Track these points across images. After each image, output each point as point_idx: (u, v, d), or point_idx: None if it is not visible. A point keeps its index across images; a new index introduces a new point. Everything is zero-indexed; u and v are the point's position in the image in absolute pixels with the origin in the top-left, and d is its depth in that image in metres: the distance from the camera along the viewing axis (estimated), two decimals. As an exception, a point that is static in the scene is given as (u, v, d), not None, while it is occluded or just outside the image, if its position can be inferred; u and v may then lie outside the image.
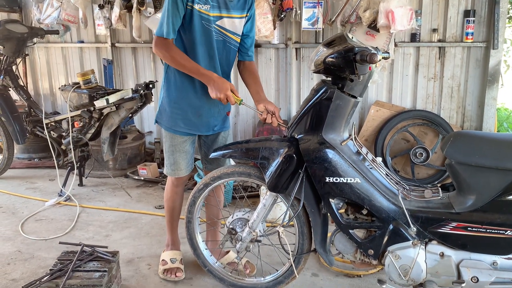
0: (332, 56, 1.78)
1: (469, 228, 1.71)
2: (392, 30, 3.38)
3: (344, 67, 1.75)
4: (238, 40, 2.22)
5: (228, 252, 2.49)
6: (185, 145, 2.27)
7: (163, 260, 2.45)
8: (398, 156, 3.89)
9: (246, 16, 2.19)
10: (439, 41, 3.77)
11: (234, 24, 2.15)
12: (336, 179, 1.86)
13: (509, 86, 6.26)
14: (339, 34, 1.88)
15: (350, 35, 1.87)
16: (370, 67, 1.76)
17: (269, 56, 4.25)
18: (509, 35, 6.02)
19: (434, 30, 3.75)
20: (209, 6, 2.04)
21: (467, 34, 3.64)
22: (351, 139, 1.96)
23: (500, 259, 1.70)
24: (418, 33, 3.76)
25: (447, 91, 3.84)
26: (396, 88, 3.96)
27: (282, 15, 3.70)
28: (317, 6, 3.67)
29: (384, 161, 3.80)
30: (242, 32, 2.22)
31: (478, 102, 3.79)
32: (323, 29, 3.85)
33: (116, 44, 4.65)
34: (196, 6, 2.03)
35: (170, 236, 2.51)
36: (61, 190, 3.56)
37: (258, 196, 3.36)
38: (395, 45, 3.72)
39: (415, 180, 3.77)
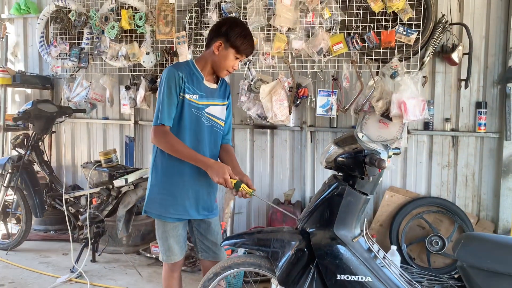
0: (343, 156, 1.85)
1: (484, 337, 1.66)
2: (404, 120, 3.47)
3: (354, 168, 1.82)
4: (223, 125, 2.40)
5: None
6: (177, 229, 2.32)
7: None
8: (413, 243, 3.82)
9: (226, 104, 2.41)
10: (452, 130, 3.84)
11: (219, 110, 2.35)
12: (347, 277, 1.86)
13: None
14: (349, 133, 1.97)
15: (360, 135, 1.96)
16: (379, 169, 1.81)
17: (285, 138, 4.36)
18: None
19: (447, 120, 3.84)
20: (197, 95, 2.24)
21: (479, 124, 3.71)
22: (363, 236, 1.97)
23: None
24: (431, 122, 3.85)
25: (461, 179, 3.85)
26: (410, 174, 3.99)
27: (298, 102, 3.86)
28: (331, 95, 3.83)
29: (400, 248, 3.74)
30: None
31: (493, 191, 3.77)
32: (337, 115, 3.99)
33: (139, 122, 4.85)
34: (187, 96, 2.21)
35: None
36: (74, 266, 3.57)
37: (269, 281, 3.30)
38: (408, 132, 3.81)
39: (431, 269, 3.67)
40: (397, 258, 3.05)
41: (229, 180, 2.10)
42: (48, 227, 4.63)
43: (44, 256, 4.02)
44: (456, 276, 1.95)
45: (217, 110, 2.34)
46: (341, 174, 1.98)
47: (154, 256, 3.96)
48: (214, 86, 2.33)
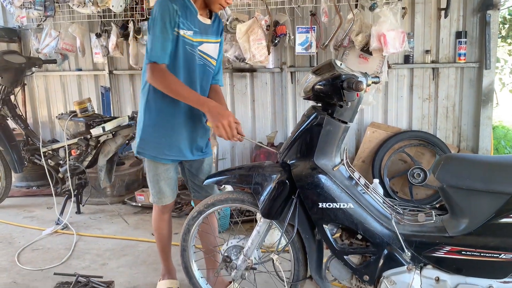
0: (320, 83, 1.80)
1: (463, 252, 1.70)
2: (384, 53, 3.41)
3: (332, 94, 1.77)
4: (215, 64, 2.26)
5: (230, 282, 2.43)
6: (168, 172, 2.26)
7: None
8: (396, 177, 3.88)
9: (219, 41, 2.27)
10: (432, 62, 3.81)
11: (212, 48, 2.21)
12: (329, 205, 1.86)
13: (506, 104, 6.29)
14: (327, 61, 1.90)
15: (338, 62, 1.90)
16: (357, 93, 1.78)
17: (265, 80, 4.28)
18: (502, 54, 6.08)
19: (427, 52, 3.79)
20: (192, 32, 2.08)
21: (459, 55, 3.68)
22: (343, 164, 1.97)
23: (496, 283, 1.68)
24: (411, 55, 3.80)
25: (442, 111, 3.86)
26: (391, 109, 3.99)
27: (276, 41, 3.75)
28: (310, 31, 3.72)
29: (382, 182, 3.79)
30: None
31: (473, 121, 3.80)
32: (316, 53, 3.90)
33: (114, 72, 4.70)
34: (181, 32, 2.04)
35: (165, 265, 2.48)
36: (58, 218, 3.55)
37: (255, 220, 3.34)
38: (389, 67, 3.75)
39: (414, 201, 3.75)
40: (379, 191, 3.10)
41: (233, 125, 1.96)
42: (30, 183, 4.58)
43: (28, 211, 3.99)
44: (437, 205, 1.96)
45: (210, 48, 2.19)
46: (320, 104, 1.94)
47: (140, 205, 3.96)
48: (208, 21, 2.16)
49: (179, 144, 2.20)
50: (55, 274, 2.36)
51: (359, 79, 1.68)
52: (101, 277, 2.31)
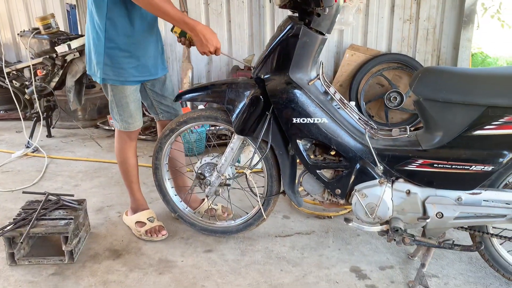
0: (297, -14, 1.68)
1: (435, 165, 1.70)
2: (367, -32, 3.25)
3: (309, -1, 1.66)
4: None
5: (203, 200, 2.42)
6: (136, 93, 2.11)
7: (138, 222, 2.26)
8: (372, 101, 3.86)
9: None
10: (416, -20, 3.66)
11: None
12: (303, 120, 1.81)
13: (486, 30, 6.22)
14: (305, -36, 1.76)
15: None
16: (336, -2, 1.67)
17: (242, -1, 4.08)
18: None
19: (411, -31, 3.63)
20: None
21: (444, -28, 3.54)
22: (319, 79, 1.90)
23: (464, 195, 1.71)
24: (394, -28, 3.64)
25: (422, 33, 3.78)
26: (371, 31, 3.88)
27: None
28: None
29: (359, 106, 3.78)
30: None
31: (453, 44, 3.74)
32: (296, -32, 3.68)
33: (80, -12, 4.39)
34: None
35: (135, 198, 2.32)
36: (28, 141, 3.45)
37: (231, 143, 3.31)
38: (371, -15, 3.60)
39: (389, 125, 3.77)
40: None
41: (219, 51, 1.92)
42: (-3, 107, 4.41)
43: (-4, 135, 3.88)
44: (412, 129, 1.94)
45: None
46: (297, 14, 1.83)
47: (112, 128, 3.87)
48: None
49: (147, 62, 2.06)
50: (23, 192, 2.31)
51: (338, -18, 1.57)
52: (72, 195, 2.27)
